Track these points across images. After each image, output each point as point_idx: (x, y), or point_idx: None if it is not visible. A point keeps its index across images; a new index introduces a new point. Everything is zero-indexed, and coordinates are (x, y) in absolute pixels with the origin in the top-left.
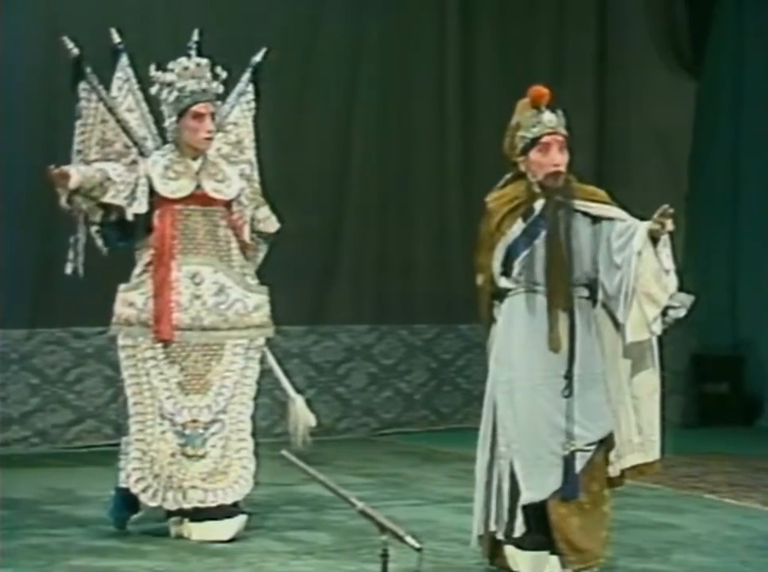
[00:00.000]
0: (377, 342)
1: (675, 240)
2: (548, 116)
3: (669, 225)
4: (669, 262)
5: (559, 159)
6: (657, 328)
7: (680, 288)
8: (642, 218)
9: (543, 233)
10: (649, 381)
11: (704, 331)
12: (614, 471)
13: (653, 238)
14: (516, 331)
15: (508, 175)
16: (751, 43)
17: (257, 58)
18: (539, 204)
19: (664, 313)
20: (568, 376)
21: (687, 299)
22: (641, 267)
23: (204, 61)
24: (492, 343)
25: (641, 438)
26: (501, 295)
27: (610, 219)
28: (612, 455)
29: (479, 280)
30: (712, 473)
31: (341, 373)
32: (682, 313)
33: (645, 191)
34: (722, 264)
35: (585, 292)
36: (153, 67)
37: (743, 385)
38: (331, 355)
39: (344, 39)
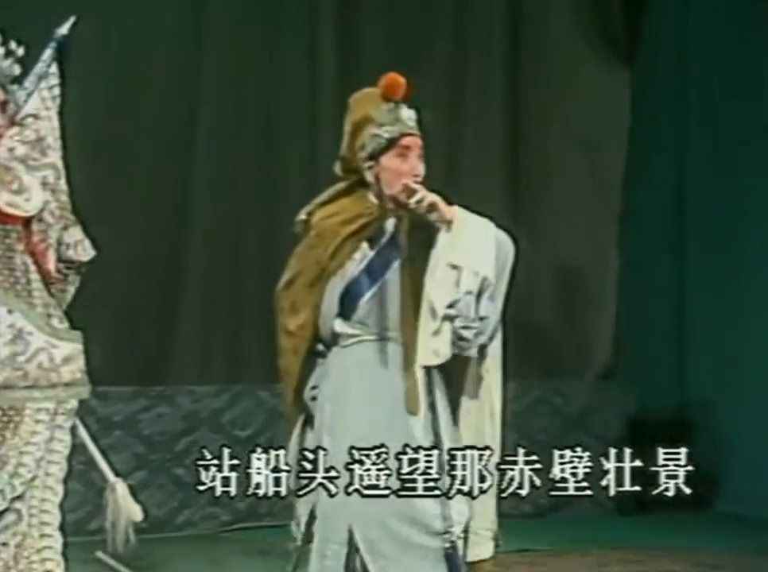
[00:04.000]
0: (228, 406)
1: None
2: (406, 112)
3: (415, 198)
4: (461, 257)
5: (420, 167)
6: (444, 348)
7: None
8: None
9: (397, 264)
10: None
11: (643, 389)
12: None
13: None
14: (357, 393)
15: (340, 186)
16: (696, 26)
17: (63, 30)
18: (391, 225)
19: (460, 334)
20: (437, 445)
21: (468, 305)
22: (435, 264)
23: None
24: (315, 412)
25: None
26: (329, 344)
27: None
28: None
29: (291, 324)
30: None
31: (181, 449)
32: (459, 325)
33: (569, 211)
34: (666, 304)
35: None
36: None
37: (694, 458)
38: (167, 425)
39: (186, 13)
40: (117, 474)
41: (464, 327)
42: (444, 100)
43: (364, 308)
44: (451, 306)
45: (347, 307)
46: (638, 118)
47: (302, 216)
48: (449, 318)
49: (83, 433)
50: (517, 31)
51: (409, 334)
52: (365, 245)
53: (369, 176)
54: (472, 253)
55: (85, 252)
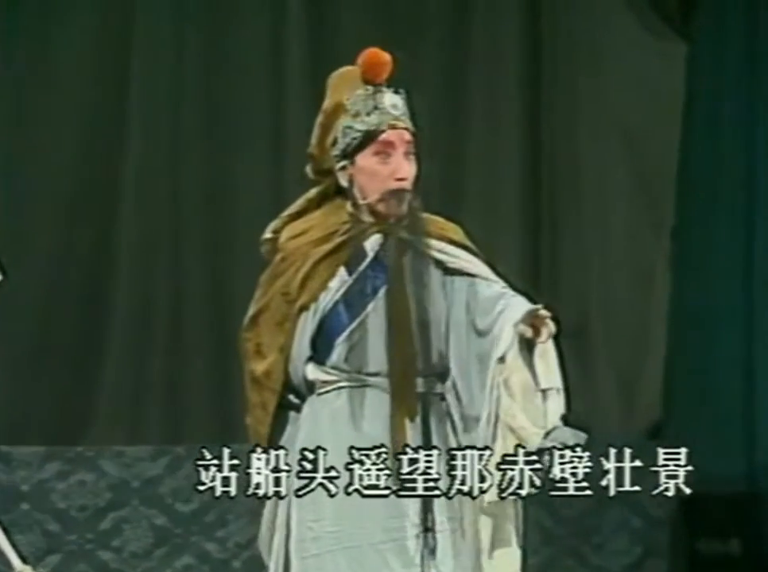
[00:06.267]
0: (168, 473)
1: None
2: (390, 98)
3: (546, 333)
4: (548, 378)
5: (406, 169)
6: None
7: (567, 418)
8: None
9: (382, 292)
10: (510, 561)
11: (701, 456)
12: None
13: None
14: (329, 452)
15: (311, 194)
16: None
17: None
18: (373, 243)
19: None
20: (427, 525)
21: (574, 436)
22: (505, 384)
23: None
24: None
25: None
26: (302, 393)
27: (469, 276)
28: None
29: (257, 372)
30: None
31: (106, 528)
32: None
33: (605, 223)
34: (730, 342)
35: (439, 387)
36: None
37: (763, 541)
38: (89, 496)
39: None
40: (24, 560)
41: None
42: (443, 82)
43: (341, 349)
44: (547, 435)
45: (320, 349)
46: (694, 103)
47: (267, 235)
48: (541, 452)
49: None
50: None
51: (397, 380)
52: (342, 269)
53: (342, 180)
54: (552, 369)
55: None
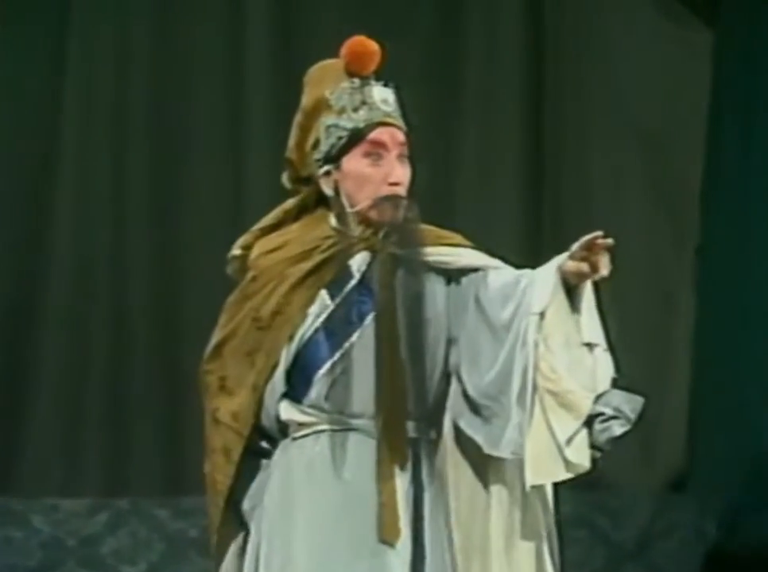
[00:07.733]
0: (109, 531)
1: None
2: (380, 92)
3: (604, 265)
4: (594, 332)
5: (400, 173)
6: (580, 457)
7: (618, 382)
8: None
9: (369, 319)
10: None
11: (730, 509)
12: None
13: (567, 289)
14: (306, 509)
15: (288, 205)
16: None
17: None
18: (359, 262)
19: (589, 425)
20: None
21: (629, 401)
22: (545, 343)
23: None
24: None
25: None
26: (272, 437)
27: (476, 270)
28: None
29: (221, 411)
30: None
31: None
32: (619, 430)
33: (619, 239)
34: (765, 379)
35: (432, 433)
36: None
37: None
38: (17, 556)
39: None
40: None
41: (621, 425)
42: (432, 77)
43: (321, 385)
44: (598, 399)
45: (296, 384)
46: (721, 101)
47: (236, 251)
48: (592, 419)
49: None
50: None
51: (385, 422)
52: (323, 292)
53: (326, 188)
54: (598, 324)
55: None
